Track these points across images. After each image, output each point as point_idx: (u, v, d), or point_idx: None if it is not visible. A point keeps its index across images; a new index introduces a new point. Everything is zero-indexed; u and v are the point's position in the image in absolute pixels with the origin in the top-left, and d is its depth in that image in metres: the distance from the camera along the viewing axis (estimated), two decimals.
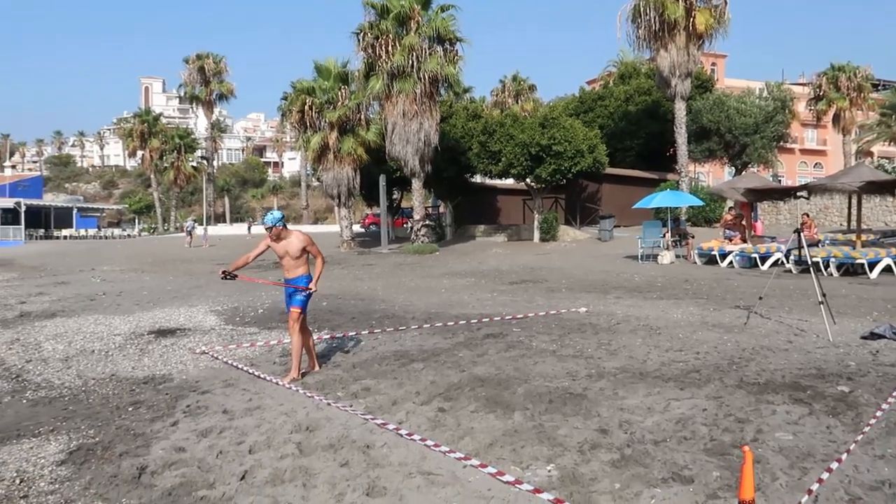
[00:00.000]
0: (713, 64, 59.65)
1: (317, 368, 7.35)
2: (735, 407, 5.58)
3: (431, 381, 6.76)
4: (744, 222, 20.62)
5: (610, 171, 31.68)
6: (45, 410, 6.36)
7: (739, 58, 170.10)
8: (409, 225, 36.82)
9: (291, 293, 7.18)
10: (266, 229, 7.09)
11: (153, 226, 68.43)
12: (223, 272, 7.18)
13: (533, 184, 29.19)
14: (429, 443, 5.00)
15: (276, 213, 7.08)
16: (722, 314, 10.30)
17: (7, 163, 76.53)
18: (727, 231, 20.58)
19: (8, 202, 55.51)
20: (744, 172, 33.91)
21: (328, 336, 9.45)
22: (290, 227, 7.30)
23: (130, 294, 15.71)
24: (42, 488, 4.55)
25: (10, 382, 7.45)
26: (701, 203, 25.39)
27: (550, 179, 27.93)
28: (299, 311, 7.07)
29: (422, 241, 29.43)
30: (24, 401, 6.75)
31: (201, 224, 58.72)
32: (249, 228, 57.65)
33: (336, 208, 57.44)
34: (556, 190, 31.94)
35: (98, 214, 72.30)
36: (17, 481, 4.64)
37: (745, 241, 20.13)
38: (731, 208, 22.00)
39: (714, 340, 8.24)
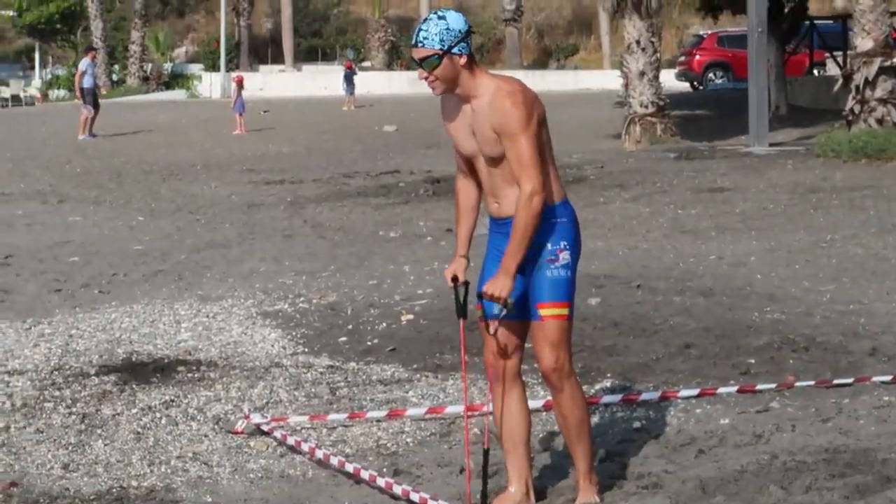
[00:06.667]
0: None
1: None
2: None
3: None
4: None
5: None
6: None
7: None
8: (841, 72, 21.87)
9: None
10: (418, 62, 4.07)
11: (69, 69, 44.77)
12: (455, 280, 4.23)
13: None
14: None
15: (450, 18, 4.09)
16: None
17: None
18: None
19: None
20: None
21: (617, 400, 5.93)
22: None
23: (34, 261, 11.03)
24: None
25: None
26: None
27: None
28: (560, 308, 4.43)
29: (882, 121, 18.37)
30: None
31: (229, 70, 39.08)
32: (350, 80, 36.39)
33: (610, 23, 29.99)
34: None
35: None
36: None
37: None
38: None
39: None
